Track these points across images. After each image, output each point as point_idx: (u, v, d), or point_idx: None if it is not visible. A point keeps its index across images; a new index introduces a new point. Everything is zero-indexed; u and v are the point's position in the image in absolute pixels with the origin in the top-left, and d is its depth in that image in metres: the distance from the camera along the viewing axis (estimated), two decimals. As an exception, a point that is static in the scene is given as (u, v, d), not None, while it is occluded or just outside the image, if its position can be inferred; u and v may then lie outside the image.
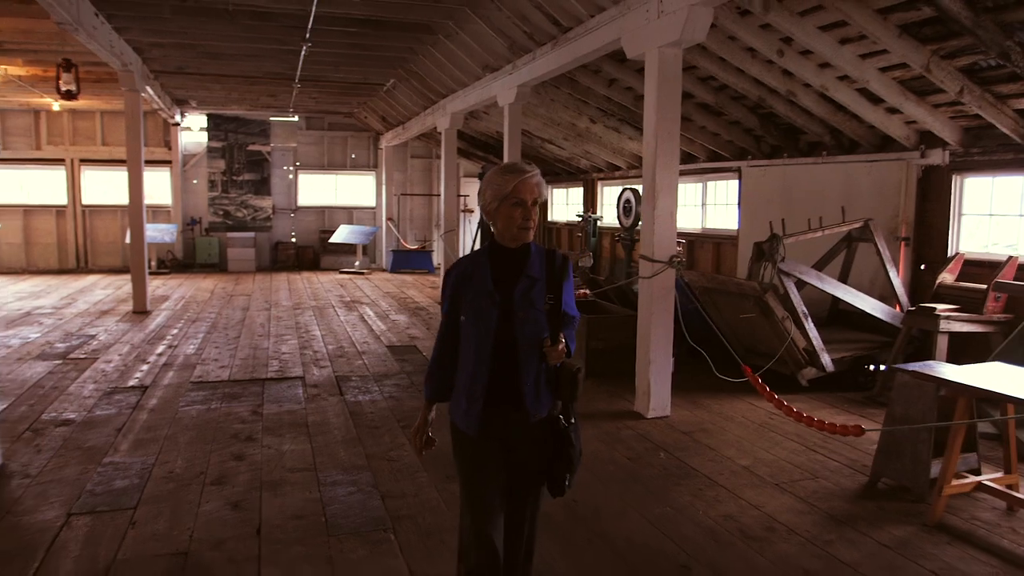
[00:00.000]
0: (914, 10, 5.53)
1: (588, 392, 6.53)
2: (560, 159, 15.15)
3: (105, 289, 13.77)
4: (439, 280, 14.70)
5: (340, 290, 14.24)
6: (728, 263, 10.56)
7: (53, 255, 17.03)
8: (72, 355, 7.97)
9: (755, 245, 6.76)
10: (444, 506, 4.14)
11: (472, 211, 17.00)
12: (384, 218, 18.85)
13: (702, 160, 10.90)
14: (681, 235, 9.24)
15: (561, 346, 2.56)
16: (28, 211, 16.90)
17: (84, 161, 17.02)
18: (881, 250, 6.96)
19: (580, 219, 13.95)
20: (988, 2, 5.07)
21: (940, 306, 6.20)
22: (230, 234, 17.72)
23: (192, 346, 8.56)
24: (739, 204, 10.07)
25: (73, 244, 17.13)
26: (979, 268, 6.63)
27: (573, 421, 2.64)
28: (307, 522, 3.96)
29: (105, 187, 17.18)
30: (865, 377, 6.85)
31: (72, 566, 3.46)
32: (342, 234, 17.92)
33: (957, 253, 6.91)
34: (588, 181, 15.10)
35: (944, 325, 6.06)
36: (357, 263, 17.90)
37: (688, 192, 11.78)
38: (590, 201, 15.04)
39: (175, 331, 9.51)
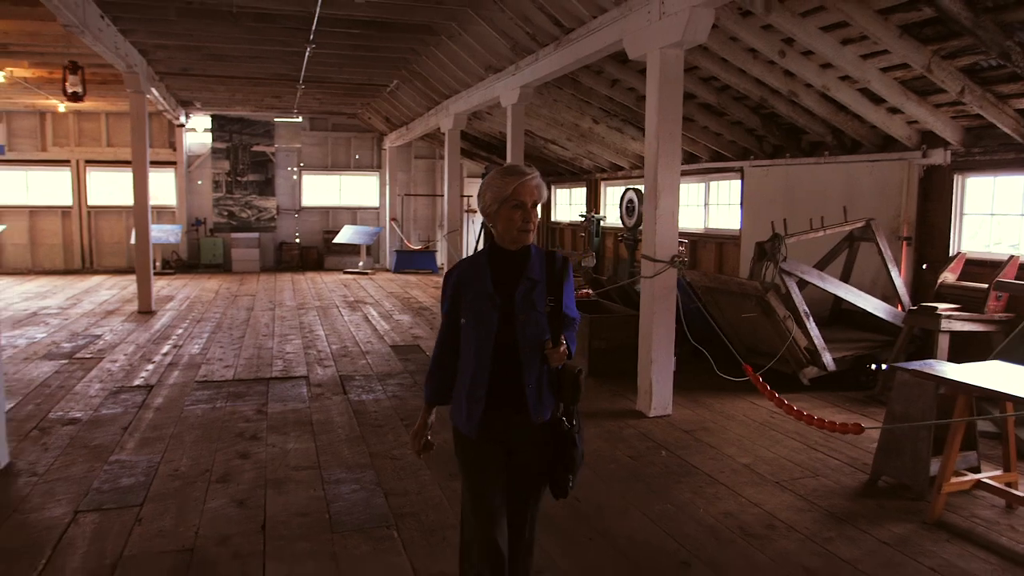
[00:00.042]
0: (915, 11, 5.56)
1: (590, 391, 6.55)
2: (563, 159, 15.18)
3: (110, 289, 13.83)
4: (442, 280, 14.71)
5: (344, 290, 14.28)
6: (730, 263, 10.58)
7: (59, 256, 17.12)
8: (78, 355, 8.02)
9: (757, 245, 6.77)
10: (447, 503, 4.17)
11: (475, 211, 17.02)
12: (388, 218, 18.87)
13: (705, 160, 10.92)
14: (684, 235, 9.26)
15: (562, 348, 2.56)
16: (34, 212, 17.00)
17: (89, 162, 17.10)
18: (883, 250, 6.96)
19: (583, 219, 13.98)
20: (988, 2, 5.09)
21: (941, 305, 6.22)
22: (234, 235, 17.79)
23: (197, 346, 8.61)
24: (741, 204, 10.09)
25: (78, 245, 17.21)
26: (980, 267, 6.65)
27: (576, 423, 2.63)
28: (311, 519, 3.99)
29: (110, 188, 17.26)
30: (867, 376, 6.86)
31: (79, 562, 3.50)
32: (346, 235, 17.95)
33: (958, 252, 6.92)
34: (591, 181, 15.12)
35: (945, 324, 6.08)
36: (361, 263, 17.92)
37: (691, 192, 11.80)
38: (593, 201, 15.06)
39: (180, 331, 9.56)
